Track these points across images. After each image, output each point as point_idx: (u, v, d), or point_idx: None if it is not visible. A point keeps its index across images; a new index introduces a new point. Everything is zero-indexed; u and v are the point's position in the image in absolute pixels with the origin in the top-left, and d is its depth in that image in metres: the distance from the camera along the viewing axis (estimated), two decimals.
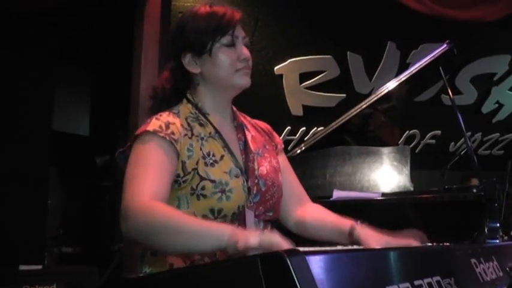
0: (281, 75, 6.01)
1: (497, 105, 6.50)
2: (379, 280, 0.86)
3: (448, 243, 2.10)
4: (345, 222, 1.83)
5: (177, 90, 1.84)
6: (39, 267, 3.77)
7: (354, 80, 6.12)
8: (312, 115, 6.10)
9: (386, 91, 3.40)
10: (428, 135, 6.35)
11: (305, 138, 5.91)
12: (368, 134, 3.79)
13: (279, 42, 6.02)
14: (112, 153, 1.71)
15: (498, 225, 2.79)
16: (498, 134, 6.54)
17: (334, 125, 3.50)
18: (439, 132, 6.32)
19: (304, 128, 6.09)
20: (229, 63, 1.76)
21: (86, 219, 6.72)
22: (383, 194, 2.99)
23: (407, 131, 6.25)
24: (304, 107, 6.12)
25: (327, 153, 3.38)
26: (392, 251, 0.98)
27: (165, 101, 1.82)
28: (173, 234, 1.43)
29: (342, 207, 2.89)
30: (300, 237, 1.96)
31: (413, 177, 3.23)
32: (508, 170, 4.24)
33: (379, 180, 3.21)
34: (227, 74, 1.77)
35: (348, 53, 6.05)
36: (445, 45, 3.31)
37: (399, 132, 6.00)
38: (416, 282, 0.95)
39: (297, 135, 6.05)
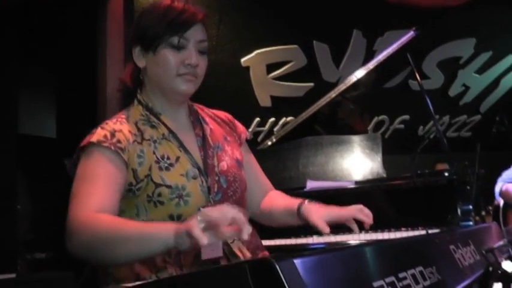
0: (248, 67, 6.00)
1: (464, 88, 6.60)
2: (365, 277, 0.86)
3: (426, 232, 2.14)
4: (294, 202, 1.83)
5: (135, 84, 1.78)
6: (13, 275, 3.69)
7: (321, 69, 6.14)
8: (281, 105, 6.11)
9: (354, 81, 3.43)
10: (397, 120, 6.41)
11: (275, 129, 5.93)
12: (337, 122, 3.82)
13: (244, 35, 6.00)
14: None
15: (471, 207, 2.84)
16: (465, 116, 6.64)
17: (304, 115, 3.52)
18: (407, 116, 6.39)
19: (273, 119, 6.10)
20: (171, 66, 1.67)
21: (58, 223, 6.59)
22: (356, 182, 3.02)
23: (376, 117, 6.30)
24: (273, 98, 6.12)
25: (298, 144, 3.39)
26: (376, 245, 0.99)
27: (130, 95, 1.78)
28: (119, 245, 1.38)
29: (316, 198, 2.92)
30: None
31: (384, 163, 3.26)
32: (477, 151, 4.31)
33: (352, 169, 3.24)
34: (167, 76, 1.68)
35: (314, 42, 6.06)
36: (411, 32, 3.35)
37: (368, 119, 6.06)
38: (400, 275, 0.95)
39: (267, 126, 6.06)
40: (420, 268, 1.04)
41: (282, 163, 3.37)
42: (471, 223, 2.72)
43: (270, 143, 3.65)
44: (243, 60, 5.96)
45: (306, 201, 1.80)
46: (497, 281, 1.77)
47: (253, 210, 1.98)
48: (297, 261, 0.72)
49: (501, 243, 2.03)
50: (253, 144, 5.03)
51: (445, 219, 2.67)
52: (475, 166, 4.32)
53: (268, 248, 1.97)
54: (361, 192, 2.94)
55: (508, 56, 6.55)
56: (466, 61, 6.52)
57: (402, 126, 6.43)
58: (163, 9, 1.69)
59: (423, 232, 2.54)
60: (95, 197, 1.50)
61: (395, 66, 4.20)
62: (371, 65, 3.43)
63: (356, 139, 3.33)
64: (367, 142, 3.31)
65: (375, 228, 2.69)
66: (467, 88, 6.60)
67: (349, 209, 1.70)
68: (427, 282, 1.04)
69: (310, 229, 1.77)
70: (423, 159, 4.52)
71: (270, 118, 6.10)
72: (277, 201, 1.95)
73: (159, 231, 1.33)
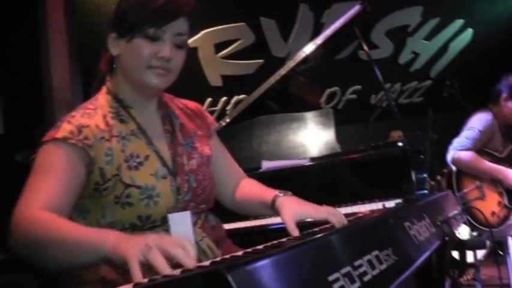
0: (196, 48, 5.94)
1: (413, 55, 6.67)
2: (319, 272, 0.86)
3: (383, 205, 2.16)
4: (269, 194, 1.76)
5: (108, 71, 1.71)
6: None
7: (270, 45, 6.13)
8: (232, 84, 6.10)
9: (303, 55, 3.42)
10: (349, 90, 6.46)
11: (227, 108, 5.92)
12: (290, 97, 3.82)
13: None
14: (32, 148, 1.57)
15: (425, 176, 2.89)
16: (416, 82, 6.72)
17: (256, 94, 3.50)
18: (359, 86, 6.44)
19: (225, 98, 6.09)
20: (142, 57, 1.59)
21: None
22: (312, 159, 3.03)
23: (328, 89, 6.33)
24: (223, 77, 6.10)
25: (251, 124, 3.38)
26: (327, 237, 0.98)
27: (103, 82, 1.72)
28: (56, 248, 1.30)
29: (273, 178, 2.94)
30: None
31: (339, 134, 3.28)
32: (429, 117, 4.37)
33: (306, 146, 3.25)
34: (137, 67, 1.61)
35: (261, 18, 6.03)
36: (357, 6, 3.35)
37: (320, 91, 6.09)
38: (356, 263, 0.95)
39: (219, 105, 6.04)
40: (376, 252, 1.04)
41: (236, 144, 3.36)
42: (426, 191, 2.77)
43: (224, 124, 3.62)
44: (190, 41, 5.86)
45: (281, 195, 1.73)
46: (454, 249, 1.81)
47: (227, 201, 1.97)
48: (250, 268, 0.71)
49: (455, 212, 2.07)
50: None
51: (401, 189, 2.70)
52: (428, 132, 4.40)
53: (230, 232, 1.96)
54: (317, 169, 2.94)
55: (455, 21, 6.63)
56: (414, 29, 6.58)
57: (355, 96, 6.48)
58: None
59: (380, 204, 2.57)
60: (44, 193, 1.43)
61: (344, 39, 4.21)
62: (319, 40, 3.42)
63: (309, 115, 3.34)
64: (319, 118, 3.32)
65: (332, 203, 2.76)
66: (416, 55, 6.68)
67: (323, 211, 1.60)
68: (384, 266, 1.04)
69: None
70: (377, 127, 4.56)
71: (222, 97, 6.09)
72: (252, 191, 1.91)
73: (99, 239, 1.25)
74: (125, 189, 1.55)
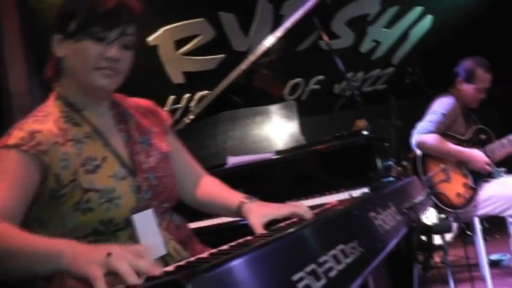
0: (156, 46, 5.88)
1: (374, 43, 6.73)
2: (285, 272, 0.84)
3: (350, 194, 2.17)
4: (234, 199, 1.78)
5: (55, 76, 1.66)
6: None
7: (230, 39, 6.11)
8: (194, 80, 6.07)
9: (264, 48, 3.41)
10: (312, 81, 6.48)
11: (191, 105, 5.89)
12: (254, 91, 3.81)
13: (148, 12, 5.84)
14: None
15: (390, 163, 2.91)
16: (379, 69, 6.79)
17: (218, 89, 3.48)
18: (322, 77, 6.47)
19: (188, 95, 6.05)
20: (89, 58, 1.55)
21: None
22: (277, 152, 3.02)
23: (291, 81, 6.35)
24: (185, 74, 6.07)
25: (215, 120, 3.35)
26: (290, 236, 0.96)
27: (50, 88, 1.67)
28: (15, 259, 1.25)
29: (239, 173, 2.93)
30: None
31: (305, 125, 3.28)
32: (392, 104, 4.41)
33: (271, 139, 3.24)
34: (84, 69, 1.57)
35: (220, 13, 6.00)
36: None
37: (283, 83, 6.10)
38: (321, 259, 0.94)
39: (182, 103, 6.01)
40: (341, 246, 1.03)
41: (201, 141, 3.33)
42: (392, 178, 2.79)
43: (187, 121, 3.59)
44: (150, 39, 5.84)
45: (247, 201, 1.74)
46: (420, 235, 1.83)
47: (187, 199, 1.94)
48: (211, 276, 0.69)
49: (421, 197, 2.09)
50: (172, 123, 4.95)
51: (367, 177, 2.71)
52: (392, 118, 4.44)
53: (197, 231, 1.94)
54: (283, 162, 2.94)
55: (414, 9, 6.71)
56: (374, 17, 6.63)
57: (318, 86, 6.51)
58: None
59: (346, 194, 2.57)
60: None
61: (305, 30, 4.21)
62: (279, 32, 3.41)
63: (272, 108, 3.33)
64: (283, 110, 3.32)
65: (299, 196, 2.76)
66: (378, 43, 6.74)
67: (286, 208, 1.64)
68: (350, 259, 1.03)
69: None
70: (342, 116, 4.59)
71: (184, 94, 6.06)
72: (215, 192, 1.91)
73: (55, 250, 1.20)
74: (84, 195, 1.51)
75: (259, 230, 1.56)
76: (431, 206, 3.83)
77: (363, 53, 6.69)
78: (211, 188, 1.94)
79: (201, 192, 1.94)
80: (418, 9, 6.69)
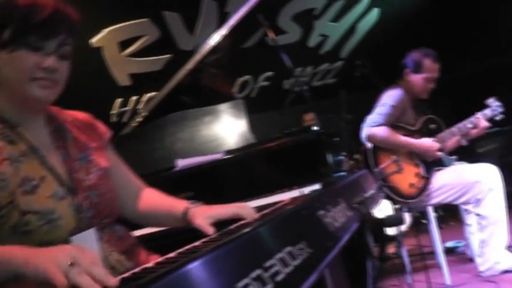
0: (100, 48, 5.79)
1: (322, 37, 6.77)
2: (229, 280, 0.82)
3: (301, 192, 2.16)
4: (178, 206, 1.77)
5: None
6: None
7: (176, 39, 6.07)
8: (141, 82, 6.01)
9: (211, 46, 3.39)
10: (261, 77, 6.48)
11: (139, 108, 5.82)
12: (202, 90, 3.78)
13: (91, 14, 5.74)
14: None
15: (341, 157, 2.92)
16: (328, 63, 6.84)
17: (165, 90, 3.44)
18: (271, 73, 6.48)
19: (136, 97, 5.98)
20: (25, 69, 1.48)
21: None
22: (227, 152, 3.00)
23: (240, 78, 6.33)
24: (131, 75, 6.00)
25: (163, 123, 3.31)
26: (235, 241, 0.94)
27: None
28: None
29: (189, 176, 2.90)
30: None
31: (256, 122, 3.28)
32: (341, 98, 4.44)
33: (220, 139, 3.22)
34: (19, 80, 1.49)
35: (164, 12, 5.94)
36: None
37: (232, 81, 6.08)
38: (267, 264, 0.92)
39: (130, 105, 5.93)
40: (288, 248, 1.02)
41: (149, 145, 3.29)
42: (344, 173, 2.80)
43: (134, 124, 3.54)
44: (93, 40, 5.74)
45: (191, 207, 1.74)
46: (372, 229, 1.83)
47: (128, 213, 1.90)
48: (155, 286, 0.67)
49: (372, 191, 2.10)
50: (120, 126, 4.89)
51: (319, 173, 2.71)
52: (342, 112, 4.47)
53: (143, 239, 1.90)
54: (233, 162, 2.92)
55: (360, 2, 6.77)
56: (320, 11, 6.67)
57: (267, 83, 6.52)
58: (28, 4, 1.49)
59: (298, 192, 2.57)
60: None
61: (251, 26, 4.20)
62: (224, 30, 3.39)
63: (220, 108, 3.31)
64: (231, 109, 3.30)
65: (250, 195, 2.74)
66: (325, 37, 6.79)
67: (231, 208, 1.65)
68: (298, 261, 1.02)
69: None
70: (293, 112, 4.60)
71: (132, 97, 5.99)
72: (157, 202, 1.88)
73: (9, 255, 1.17)
74: (22, 217, 1.43)
75: (205, 227, 1.57)
76: (385, 198, 3.88)
77: (311, 48, 6.73)
78: (153, 199, 1.91)
79: (143, 205, 1.90)
80: (364, 2, 6.77)
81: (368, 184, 2.21)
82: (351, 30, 6.87)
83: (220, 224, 1.60)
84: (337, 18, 6.75)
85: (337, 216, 1.46)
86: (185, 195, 2.81)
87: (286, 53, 3.36)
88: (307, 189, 2.50)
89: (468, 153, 5.20)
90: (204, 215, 1.65)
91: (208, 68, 3.68)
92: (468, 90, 6.31)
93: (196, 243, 1.27)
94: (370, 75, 4.54)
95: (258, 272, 0.88)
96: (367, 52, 6.07)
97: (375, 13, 6.83)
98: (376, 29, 6.90)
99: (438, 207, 5.76)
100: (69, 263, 1.06)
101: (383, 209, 4.85)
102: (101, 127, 1.86)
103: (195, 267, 0.80)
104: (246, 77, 6.41)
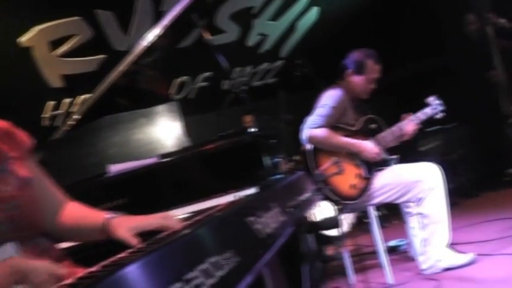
0: (29, 48, 5.63)
1: (261, 36, 6.78)
2: None
3: (237, 196, 2.14)
4: (99, 218, 1.72)
5: None
6: None
7: (110, 39, 5.96)
8: (75, 83, 5.88)
9: (144, 46, 3.33)
10: (200, 78, 6.45)
11: (73, 110, 5.71)
12: (140, 92, 3.73)
13: (19, 11, 5.57)
14: None
15: (278, 159, 2.92)
16: (267, 63, 6.85)
17: (97, 93, 3.37)
18: (209, 73, 6.45)
19: (69, 99, 5.85)
20: None
21: None
22: (162, 156, 2.96)
23: (177, 79, 6.29)
24: (64, 77, 5.85)
25: (95, 127, 3.24)
26: (153, 254, 0.92)
27: None
28: None
29: (122, 182, 2.84)
30: None
31: (193, 125, 3.26)
32: (280, 98, 4.45)
33: (155, 143, 3.18)
34: None
35: (97, 11, 5.83)
36: None
37: (170, 82, 6.04)
38: (188, 276, 0.90)
39: (63, 108, 5.80)
40: (213, 259, 1.00)
41: (81, 150, 3.21)
42: (281, 176, 2.80)
43: (66, 128, 3.45)
44: (22, 39, 5.58)
45: (112, 218, 1.69)
46: (308, 233, 1.84)
47: (49, 227, 1.83)
48: None
49: (308, 194, 2.10)
50: (53, 130, 4.78)
51: (256, 176, 2.71)
52: (281, 113, 4.48)
53: (71, 250, 1.86)
54: (167, 166, 2.88)
55: (299, 0, 6.81)
56: (259, 10, 6.68)
57: (206, 83, 6.48)
58: None
59: (233, 196, 2.56)
60: None
61: (186, 26, 4.17)
62: (158, 29, 3.34)
63: (154, 110, 3.27)
64: (166, 112, 3.26)
65: (186, 200, 2.71)
66: (264, 36, 6.80)
67: (154, 220, 1.61)
68: (223, 271, 1.00)
69: None
70: (232, 113, 4.60)
71: (64, 99, 5.85)
72: (80, 215, 1.82)
73: None
74: None
75: (130, 239, 1.53)
76: (327, 200, 3.91)
77: (250, 47, 6.74)
78: (75, 213, 1.85)
79: (65, 219, 1.84)
80: (303, 1, 6.81)
81: (305, 186, 2.21)
82: (291, 29, 6.90)
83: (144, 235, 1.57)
84: (276, 17, 6.77)
85: (269, 221, 1.45)
86: (118, 203, 2.77)
87: (223, 53, 3.35)
88: (243, 193, 2.49)
89: (410, 152, 5.32)
90: (125, 227, 1.60)
91: (144, 69, 3.63)
92: (410, 90, 6.44)
93: (121, 255, 1.24)
94: (310, 74, 4.57)
95: (177, 285, 0.86)
96: (307, 51, 6.11)
97: (314, 12, 6.89)
98: (316, 27, 6.95)
99: (381, 206, 5.86)
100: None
101: (324, 211, 4.90)
102: (21, 135, 1.79)
103: (114, 280, 0.78)
104: (184, 78, 6.34)
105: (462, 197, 6.25)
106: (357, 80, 4.21)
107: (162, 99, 3.54)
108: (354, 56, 4.26)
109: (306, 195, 2.04)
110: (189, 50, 5.85)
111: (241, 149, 2.80)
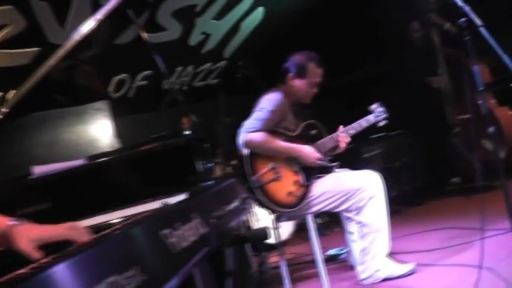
0: None
1: (204, 35, 6.72)
2: None
3: (164, 203, 2.08)
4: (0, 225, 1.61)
5: None
6: None
7: (45, 31, 5.78)
8: (6, 77, 5.69)
9: (78, 39, 3.24)
10: (139, 76, 6.34)
11: (2, 106, 5.53)
12: (75, 88, 3.63)
13: None
14: None
15: (211, 165, 2.87)
16: (210, 63, 6.80)
17: (26, 87, 3.27)
18: (149, 71, 6.34)
19: (1, 93, 5.67)
20: None
21: None
22: (90, 158, 2.88)
23: (116, 77, 6.17)
24: None
25: (22, 124, 3.14)
26: (45, 272, 0.86)
27: None
28: None
29: (46, 184, 2.75)
30: None
31: (127, 125, 3.20)
32: (220, 100, 4.41)
33: (84, 144, 3.09)
34: None
35: (32, 0, 5.65)
36: None
37: (107, 80, 5.92)
38: None
39: None
40: (112, 278, 0.95)
41: (6, 148, 3.11)
42: (212, 182, 2.75)
43: None
44: None
45: (15, 224, 1.57)
46: (231, 245, 1.80)
47: None
48: None
49: (236, 203, 2.07)
50: None
51: (186, 182, 2.65)
52: (220, 115, 4.44)
53: None
54: (94, 169, 2.80)
55: (244, 0, 6.78)
56: (202, 8, 6.61)
57: (146, 82, 6.38)
58: None
59: (159, 203, 2.49)
60: None
61: (123, 21, 4.09)
62: (91, 22, 3.25)
63: (84, 109, 3.19)
64: (96, 111, 3.18)
65: (112, 206, 2.63)
66: (207, 35, 6.74)
67: (59, 231, 1.52)
68: None
69: None
70: (171, 114, 4.53)
71: None
72: None
73: None
74: None
75: (31, 252, 1.44)
76: (263, 207, 3.88)
77: (192, 46, 6.66)
78: None
79: None
80: (248, 1, 6.78)
81: (234, 195, 2.18)
82: (235, 29, 6.86)
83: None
84: (220, 16, 6.71)
85: (186, 234, 1.41)
86: (41, 207, 2.68)
87: (165, 51, 3.30)
88: (172, 200, 2.43)
89: (352, 158, 5.35)
90: (27, 237, 1.50)
91: (83, 65, 3.54)
92: (354, 96, 6.49)
93: (22, 271, 1.16)
94: (252, 76, 4.55)
95: None
96: (251, 52, 6.09)
97: (259, 12, 6.87)
98: (261, 28, 6.93)
99: (322, 214, 5.88)
100: None
101: (261, 218, 4.88)
102: None
103: None
104: (123, 76, 6.21)
105: (405, 205, 6.33)
106: (299, 84, 4.19)
107: (98, 96, 3.46)
108: (296, 58, 4.24)
109: (234, 205, 2.01)
110: (128, 47, 5.74)
111: (173, 152, 2.73)
